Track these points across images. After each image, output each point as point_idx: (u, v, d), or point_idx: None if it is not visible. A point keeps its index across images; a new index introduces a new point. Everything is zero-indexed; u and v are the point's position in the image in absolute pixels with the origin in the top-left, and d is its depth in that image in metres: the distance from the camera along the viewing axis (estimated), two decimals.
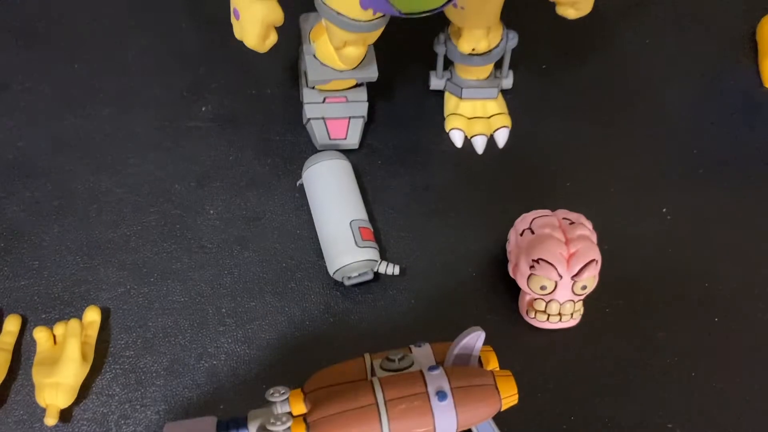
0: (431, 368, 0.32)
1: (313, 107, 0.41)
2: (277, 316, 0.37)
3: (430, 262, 0.40)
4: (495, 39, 0.39)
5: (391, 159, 0.43)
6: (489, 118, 0.44)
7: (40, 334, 0.35)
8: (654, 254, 0.41)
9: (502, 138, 0.43)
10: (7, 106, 0.43)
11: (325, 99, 0.41)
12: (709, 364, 0.38)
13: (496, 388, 0.32)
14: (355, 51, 0.37)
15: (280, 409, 0.31)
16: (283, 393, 0.31)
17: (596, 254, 0.36)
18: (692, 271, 0.40)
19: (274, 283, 0.38)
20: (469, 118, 0.44)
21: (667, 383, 0.37)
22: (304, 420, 0.31)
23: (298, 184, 0.40)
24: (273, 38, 0.35)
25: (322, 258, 0.38)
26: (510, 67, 0.43)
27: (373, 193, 0.41)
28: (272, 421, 0.31)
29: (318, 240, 0.39)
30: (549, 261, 0.35)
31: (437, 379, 0.32)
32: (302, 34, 0.40)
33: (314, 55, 0.39)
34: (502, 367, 0.34)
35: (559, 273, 0.35)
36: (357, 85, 0.42)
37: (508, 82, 0.44)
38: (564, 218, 0.37)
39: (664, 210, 0.42)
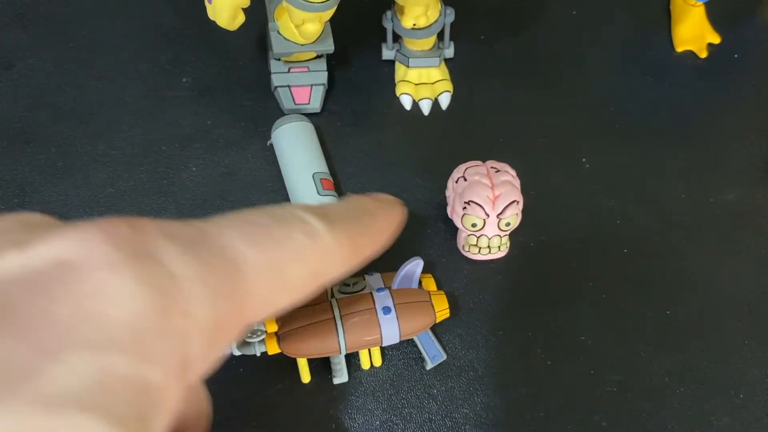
0: (379, 290, 0.39)
1: (279, 76, 0.47)
2: None
3: None
4: (433, 15, 0.45)
5: (348, 121, 0.49)
6: (433, 83, 0.49)
7: None
8: (574, 197, 0.47)
9: (444, 101, 0.49)
10: (13, 82, 0.48)
11: (289, 69, 0.47)
12: (619, 287, 0.44)
13: (431, 304, 0.39)
14: (313, 27, 0.42)
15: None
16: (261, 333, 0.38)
17: (517, 196, 0.42)
18: (606, 210, 0.46)
19: None
20: (416, 84, 0.49)
21: (581, 302, 0.44)
22: (276, 335, 0.38)
23: (268, 144, 0.46)
24: (241, 18, 0.41)
25: None
26: (451, 39, 0.49)
27: (333, 151, 0.47)
28: (249, 334, 0.38)
29: (286, 191, 0.44)
30: (477, 202, 0.41)
31: (383, 298, 0.38)
32: (267, 13, 0.44)
33: (278, 32, 0.44)
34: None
35: (486, 212, 0.41)
36: (317, 57, 0.47)
37: (449, 52, 0.50)
38: (492, 167, 0.43)
39: (584, 160, 0.48)
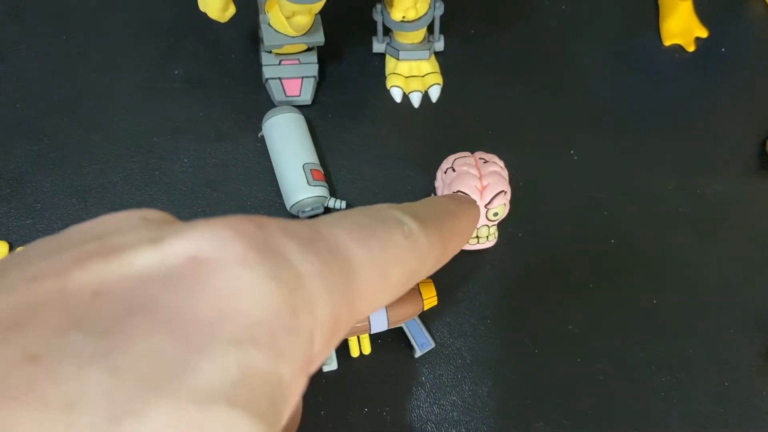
0: None
1: (270, 68, 0.47)
2: None
3: (373, 200, 0.46)
4: (423, 8, 0.46)
5: (339, 113, 0.49)
6: (423, 76, 0.50)
7: None
8: (562, 189, 0.47)
9: (434, 94, 0.50)
10: (6, 74, 0.48)
11: (280, 61, 0.47)
12: (606, 277, 0.45)
13: (419, 292, 0.40)
14: (303, 19, 0.43)
15: None
16: None
17: (505, 186, 0.43)
18: (594, 202, 0.47)
19: None
20: (407, 77, 0.50)
21: (568, 292, 0.44)
22: None
23: (259, 135, 0.47)
24: (231, 10, 0.41)
25: (281, 197, 0.45)
26: (441, 33, 0.50)
27: (324, 142, 0.48)
28: None
29: (277, 182, 0.45)
30: (466, 192, 0.42)
31: None
32: (258, 5, 0.45)
33: (269, 24, 0.44)
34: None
35: None
36: (308, 49, 0.47)
37: (439, 45, 0.51)
38: (480, 158, 0.44)
39: (572, 152, 0.49)
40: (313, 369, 0.17)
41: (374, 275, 0.18)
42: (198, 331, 0.13)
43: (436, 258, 0.21)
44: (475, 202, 0.30)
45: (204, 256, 0.14)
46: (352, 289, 0.17)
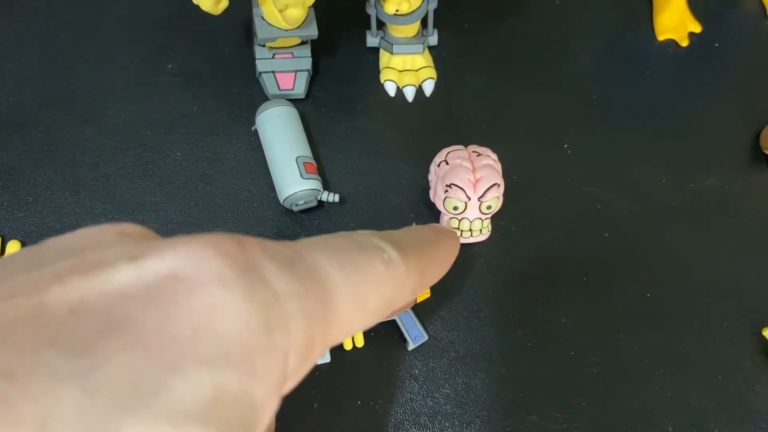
0: None
1: (263, 62, 0.47)
2: None
3: (366, 193, 0.46)
4: (416, 1, 0.45)
5: (333, 107, 0.49)
6: (417, 70, 0.50)
7: None
8: (556, 182, 0.47)
9: (428, 88, 0.50)
10: (1, 67, 0.48)
11: (274, 55, 0.47)
12: (600, 270, 0.45)
13: None
14: (296, 12, 0.43)
15: None
16: None
17: (498, 179, 0.43)
18: (587, 195, 0.47)
19: (234, 212, 0.45)
20: (400, 71, 0.50)
21: (562, 285, 0.44)
22: None
23: (252, 129, 0.47)
24: (225, 2, 0.41)
25: (274, 191, 0.45)
26: (435, 27, 0.50)
27: (317, 136, 0.48)
28: None
29: (270, 175, 0.45)
30: (459, 185, 0.42)
31: None
32: None
33: (262, 17, 0.44)
34: None
35: (468, 195, 0.42)
36: (302, 43, 0.47)
37: (433, 39, 0.51)
38: (473, 151, 0.44)
39: (566, 146, 0.49)
40: (287, 389, 0.17)
41: (351, 301, 0.18)
42: (174, 350, 0.13)
43: (414, 287, 0.22)
44: (455, 233, 0.30)
45: (182, 274, 0.14)
46: (328, 312, 0.17)
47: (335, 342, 0.18)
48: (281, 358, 0.15)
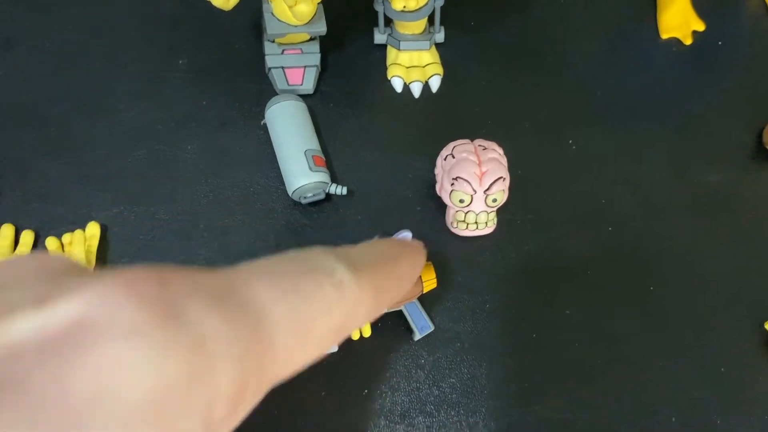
0: None
1: (273, 58, 0.48)
2: (246, 230, 0.45)
3: (373, 187, 0.47)
4: None
5: (341, 102, 0.50)
6: (424, 67, 0.51)
7: (51, 243, 0.42)
8: (560, 177, 0.48)
9: (435, 84, 0.51)
10: (14, 62, 0.49)
11: (283, 51, 0.48)
12: (603, 264, 0.46)
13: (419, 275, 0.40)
14: (306, 8, 0.44)
15: None
16: None
17: (504, 172, 0.43)
18: (591, 190, 0.48)
19: (243, 204, 0.46)
20: (407, 67, 0.51)
21: (566, 278, 0.45)
22: None
23: (262, 124, 0.47)
24: None
25: (283, 183, 0.45)
26: (442, 24, 0.51)
27: (325, 131, 0.48)
28: None
29: (279, 169, 0.46)
30: (465, 178, 0.43)
31: None
32: None
33: (272, 13, 0.45)
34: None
35: (473, 188, 0.42)
36: (310, 39, 0.48)
37: (440, 36, 0.51)
38: (479, 145, 0.44)
39: (570, 141, 0.50)
40: None
41: (292, 334, 0.17)
42: (72, 415, 0.12)
43: (368, 309, 0.20)
44: (422, 247, 0.28)
45: (90, 321, 0.13)
46: (264, 350, 0.16)
47: (275, 381, 0.17)
48: (202, 410, 0.14)
